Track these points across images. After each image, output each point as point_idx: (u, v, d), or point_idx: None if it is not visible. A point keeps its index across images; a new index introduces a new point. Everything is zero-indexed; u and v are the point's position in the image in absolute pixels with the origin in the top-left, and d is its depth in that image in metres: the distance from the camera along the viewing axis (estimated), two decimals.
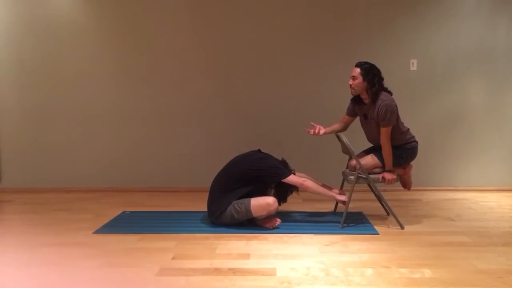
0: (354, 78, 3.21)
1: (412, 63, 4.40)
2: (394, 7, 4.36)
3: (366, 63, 3.23)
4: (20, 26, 4.40)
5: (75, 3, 4.39)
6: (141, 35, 4.41)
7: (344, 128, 3.45)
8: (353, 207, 3.56)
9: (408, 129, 3.36)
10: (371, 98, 3.20)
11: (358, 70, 3.20)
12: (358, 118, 3.44)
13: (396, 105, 3.18)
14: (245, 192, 3.18)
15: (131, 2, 4.38)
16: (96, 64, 4.45)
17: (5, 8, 4.38)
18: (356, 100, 3.34)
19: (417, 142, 3.35)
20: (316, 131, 3.32)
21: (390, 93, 3.26)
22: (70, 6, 4.39)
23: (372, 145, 3.45)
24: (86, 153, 4.53)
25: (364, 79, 3.18)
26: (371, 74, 3.18)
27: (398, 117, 3.24)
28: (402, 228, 3.19)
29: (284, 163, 3.30)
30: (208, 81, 4.46)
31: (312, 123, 3.37)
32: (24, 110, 4.49)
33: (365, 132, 3.43)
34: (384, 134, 3.17)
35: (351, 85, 3.23)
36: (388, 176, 3.20)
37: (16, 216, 3.72)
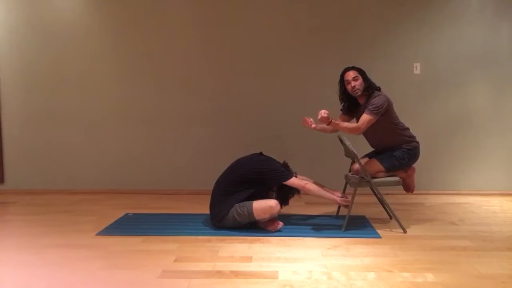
0: (356, 78, 3.22)
1: (416, 67, 4.40)
2: (397, 11, 4.37)
3: (353, 66, 3.30)
4: (24, 28, 4.43)
5: (79, 6, 4.42)
6: (145, 37, 4.43)
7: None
8: (355, 210, 3.55)
9: (408, 128, 3.35)
10: (367, 96, 3.23)
11: (355, 71, 3.25)
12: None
13: (388, 99, 3.19)
14: (247, 195, 3.18)
15: (134, 4, 4.40)
16: (99, 66, 4.48)
17: (9, 11, 4.41)
18: (350, 106, 3.36)
19: (418, 142, 3.34)
20: (308, 125, 3.33)
21: (379, 89, 3.29)
22: (74, 8, 4.42)
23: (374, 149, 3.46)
24: (90, 155, 4.55)
25: (363, 79, 3.23)
26: (364, 73, 3.26)
27: (395, 115, 3.25)
28: (405, 232, 3.19)
29: (285, 166, 3.30)
30: (211, 85, 4.47)
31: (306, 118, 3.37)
32: (28, 112, 4.51)
33: (364, 135, 3.42)
34: (363, 120, 3.12)
35: (354, 87, 3.22)
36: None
37: (19, 217, 3.73)
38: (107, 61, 4.47)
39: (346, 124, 3.21)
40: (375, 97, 3.17)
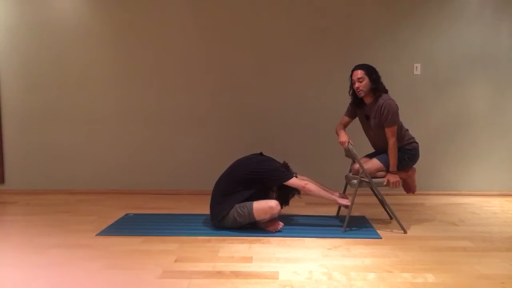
0: (360, 80, 3.19)
1: (416, 67, 4.40)
2: (397, 11, 4.37)
3: (364, 64, 3.25)
4: (25, 28, 4.43)
5: (79, 6, 4.42)
6: (144, 38, 4.43)
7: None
8: (356, 211, 3.56)
9: (407, 129, 3.35)
10: (374, 98, 3.21)
11: (362, 71, 3.20)
12: (358, 122, 3.45)
13: (397, 104, 3.19)
14: (247, 195, 3.18)
15: (135, 5, 4.40)
16: (100, 67, 4.48)
17: (10, 11, 4.41)
18: (357, 103, 3.34)
19: (417, 143, 3.34)
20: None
21: (386, 90, 3.27)
22: (74, 9, 4.42)
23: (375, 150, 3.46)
24: (90, 155, 4.55)
25: (370, 79, 3.19)
26: (374, 73, 3.21)
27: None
28: (405, 232, 3.19)
29: (285, 166, 3.30)
30: (211, 85, 4.47)
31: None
32: (28, 112, 4.51)
33: (367, 135, 3.42)
34: (390, 133, 3.17)
35: (358, 88, 3.21)
36: (392, 179, 3.19)
37: (19, 217, 3.73)
38: (107, 61, 4.47)
39: (391, 152, 3.17)
40: (384, 102, 3.14)
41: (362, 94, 3.23)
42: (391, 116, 3.13)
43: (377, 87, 3.19)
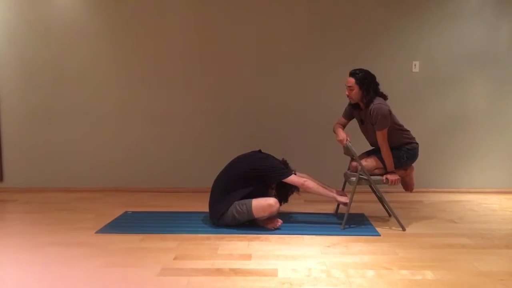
0: (350, 88, 3.21)
1: (414, 65, 4.40)
2: (396, 9, 4.36)
3: (360, 71, 3.21)
4: (23, 26, 4.42)
5: (78, 4, 4.41)
6: (143, 36, 4.42)
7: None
8: (354, 208, 3.56)
9: (408, 130, 3.36)
10: (366, 104, 3.22)
11: (353, 80, 3.19)
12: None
13: (388, 108, 3.17)
14: (246, 192, 3.18)
15: (134, 2, 4.39)
16: (99, 65, 4.47)
17: (8, 9, 4.40)
18: (354, 105, 3.35)
19: (417, 144, 3.35)
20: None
21: (385, 97, 3.25)
22: (73, 7, 4.41)
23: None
24: (89, 153, 4.54)
25: (360, 88, 3.18)
26: (366, 83, 3.18)
27: (394, 119, 3.26)
28: (404, 229, 3.20)
29: (284, 163, 3.30)
30: (210, 82, 4.47)
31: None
32: (27, 110, 4.51)
33: (365, 136, 3.44)
34: (380, 137, 3.18)
35: (348, 95, 3.25)
36: (391, 177, 3.20)
37: (18, 215, 3.73)
38: (106, 59, 4.47)
39: (384, 155, 3.20)
40: (374, 105, 3.14)
41: (351, 101, 3.29)
42: (381, 118, 3.12)
43: (367, 95, 3.18)
